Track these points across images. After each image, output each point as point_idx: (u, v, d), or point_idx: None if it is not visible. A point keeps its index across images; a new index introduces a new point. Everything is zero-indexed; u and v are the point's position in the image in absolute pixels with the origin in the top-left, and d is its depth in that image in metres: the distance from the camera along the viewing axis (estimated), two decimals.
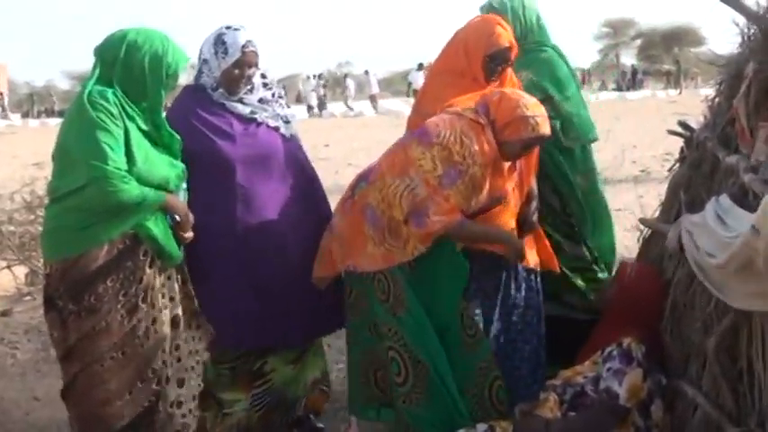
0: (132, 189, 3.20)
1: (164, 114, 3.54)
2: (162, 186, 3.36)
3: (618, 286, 3.76)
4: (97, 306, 3.24)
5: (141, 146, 3.29)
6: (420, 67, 13.75)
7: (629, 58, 60.58)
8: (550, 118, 3.79)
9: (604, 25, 61.05)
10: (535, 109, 3.70)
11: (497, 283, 3.89)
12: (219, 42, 3.72)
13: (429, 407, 3.68)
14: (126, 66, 3.30)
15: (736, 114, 3.18)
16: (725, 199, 3.06)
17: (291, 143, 3.93)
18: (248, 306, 3.75)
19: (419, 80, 13.21)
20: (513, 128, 3.66)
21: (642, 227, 4.31)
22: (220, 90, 3.77)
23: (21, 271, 7.26)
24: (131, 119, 3.27)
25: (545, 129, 3.70)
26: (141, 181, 3.25)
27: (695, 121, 4.04)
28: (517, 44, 4.02)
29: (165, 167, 3.38)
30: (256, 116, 3.81)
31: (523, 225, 3.97)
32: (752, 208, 2.89)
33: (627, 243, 7.84)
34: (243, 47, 3.71)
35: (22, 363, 5.49)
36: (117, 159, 3.17)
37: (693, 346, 3.38)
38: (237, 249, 3.72)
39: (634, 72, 52.46)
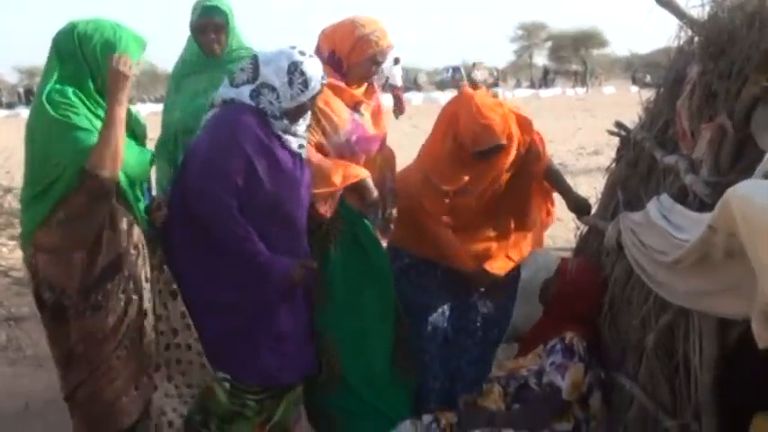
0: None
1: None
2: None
3: (560, 281, 3.83)
4: (102, 303, 3.14)
5: None
6: (396, 61, 13.14)
7: (541, 59, 63.04)
8: None
9: (519, 28, 64.43)
10: (371, 25, 3.66)
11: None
12: (297, 72, 3.35)
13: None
14: (81, 58, 3.12)
15: (678, 117, 3.25)
16: (666, 199, 3.12)
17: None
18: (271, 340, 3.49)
19: (397, 76, 12.71)
20: (358, 50, 3.63)
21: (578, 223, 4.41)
22: (285, 121, 3.42)
23: None
24: (96, 116, 3.10)
25: (388, 40, 3.67)
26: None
27: (630, 121, 4.15)
28: (229, 53, 3.95)
29: (136, 156, 3.25)
30: (302, 151, 3.49)
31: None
32: (692, 207, 2.97)
33: (551, 233, 8.04)
34: (321, 79, 3.42)
35: None
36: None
37: (630, 341, 3.46)
38: (266, 285, 3.43)
39: (546, 72, 53.87)
